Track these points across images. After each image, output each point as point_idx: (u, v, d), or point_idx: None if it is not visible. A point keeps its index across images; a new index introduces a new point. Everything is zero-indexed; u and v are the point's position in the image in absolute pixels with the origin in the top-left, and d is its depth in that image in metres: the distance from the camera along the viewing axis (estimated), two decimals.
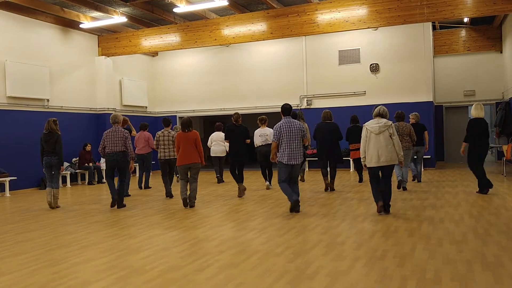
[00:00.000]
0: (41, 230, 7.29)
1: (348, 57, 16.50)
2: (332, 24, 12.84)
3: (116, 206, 9.28)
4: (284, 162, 7.83)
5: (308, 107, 16.82)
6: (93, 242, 6.27)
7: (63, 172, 13.99)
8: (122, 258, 5.33)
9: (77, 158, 14.79)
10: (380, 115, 7.57)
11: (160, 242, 6.10)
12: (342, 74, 16.58)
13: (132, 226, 7.36)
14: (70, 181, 14.41)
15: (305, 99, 17.00)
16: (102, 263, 5.17)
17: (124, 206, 9.35)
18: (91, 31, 15.86)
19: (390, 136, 7.35)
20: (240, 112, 16.99)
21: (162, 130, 10.76)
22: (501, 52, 17.29)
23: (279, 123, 7.94)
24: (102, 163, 14.27)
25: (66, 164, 14.25)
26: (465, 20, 16.26)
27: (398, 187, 10.35)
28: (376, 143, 7.34)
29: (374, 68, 16.13)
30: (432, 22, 16.05)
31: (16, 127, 13.14)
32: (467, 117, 19.11)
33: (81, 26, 14.68)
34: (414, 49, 15.68)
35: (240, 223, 7.28)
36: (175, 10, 13.17)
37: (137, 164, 12.67)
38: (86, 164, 14.68)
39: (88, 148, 14.74)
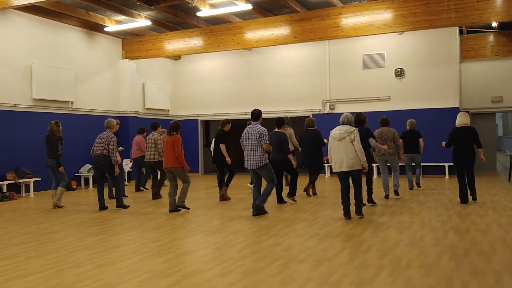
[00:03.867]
0: (64, 231, 7.36)
1: (372, 61, 16.34)
2: (356, 28, 12.73)
3: (107, 208, 9.63)
4: (245, 166, 8.43)
5: (331, 111, 16.71)
6: (116, 244, 6.29)
7: (87, 174, 14.22)
8: (145, 261, 5.33)
9: None
10: (345, 123, 7.84)
11: (182, 246, 6.10)
12: (366, 78, 16.42)
13: (154, 229, 7.37)
14: (93, 183, 14.54)
15: (328, 103, 16.89)
16: (125, 265, 5.17)
17: (126, 207, 9.67)
18: (115, 34, 16.03)
19: (352, 142, 7.57)
20: (263, 116, 17.05)
21: (149, 134, 11.35)
22: None
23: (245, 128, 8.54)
24: (125, 165, 14.38)
25: (88, 166, 14.40)
26: (494, 24, 15.94)
27: (386, 197, 10.20)
28: (338, 149, 7.67)
29: (399, 73, 15.94)
30: (459, 27, 15.78)
31: (41, 129, 13.27)
32: (495, 124, 18.74)
33: (105, 29, 14.85)
34: (440, 54, 15.45)
35: (262, 228, 7.23)
36: (198, 14, 13.21)
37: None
38: None
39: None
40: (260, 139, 8.19)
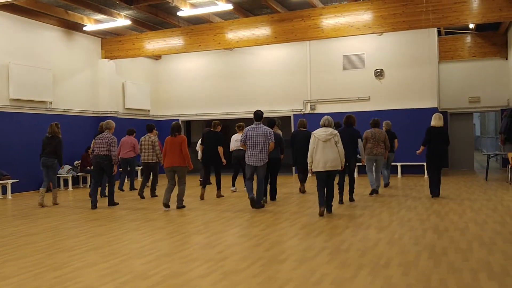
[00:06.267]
0: (43, 233, 7.26)
1: (352, 62, 16.46)
2: (336, 29, 12.81)
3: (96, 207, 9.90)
4: (247, 162, 8.90)
5: (312, 111, 16.79)
6: (96, 246, 6.23)
7: (66, 175, 14.04)
8: (125, 263, 5.29)
9: (79, 161, 14.75)
10: (326, 126, 8.24)
11: (163, 247, 6.06)
12: (346, 79, 16.54)
13: (134, 230, 7.32)
14: (72, 184, 14.37)
15: (309, 103, 16.96)
16: (105, 267, 5.13)
17: (116, 204, 10.09)
18: (94, 33, 15.85)
19: (336, 143, 7.98)
20: (243, 116, 17.13)
21: (145, 136, 11.56)
22: (506, 59, 17.22)
23: (248, 127, 8.93)
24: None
25: (68, 167, 14.26)
26: (471, 26, 16.21)
27: (371, 194, 10.71)
28: (323, 150, 7.99)
29: (379, 74, 16.09)
30: (438, 28, 16.00)
31: (18, 130, 13.11)
32: (472, 124, 19.04)
33: (84, 28, 14.68)
34: (419, 55, 15.63)
35: (243, 229, 7.24)
36: (179, 13, 13.14)
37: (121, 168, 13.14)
38: (88, 168, 14.63)
39: (91, 151, 14.67)
40: (268, 139, 8.70)
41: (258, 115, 9.02)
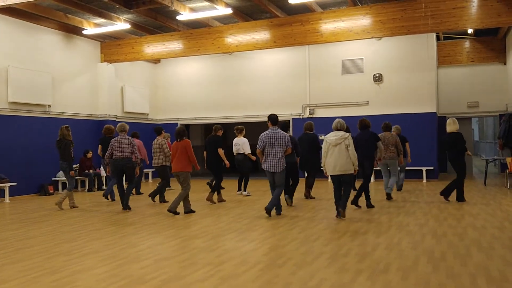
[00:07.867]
0: (41, 237, 7.24)
1: (351, 66, 16.48)
2: (335, 34, 12.84)
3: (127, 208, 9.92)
4: (264, 169, 8.58)
5: (311, 116, 16.79)
6: (94, 250, 6.21)
7: (64, 178, 14.01)
8: (123, 267, 5.27)
9: (77, 164, 14.72)
10: (338, 129, 8.23)
11: (161, 251, 6.05)
12: (345, 83, 16.56)
13: (132, 234, 7.30)
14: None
15: (308, 108, 16.98)
16: (103, 271, 5.11)
17: (130, 208, 9.88)
18: (94, 37, 15.87)
19: (347, 147, 7.98)
20: (243, 120, 17.17)
21: (154, 140, 11.35)
22: (505, 64, 17.27)
23: (265, 132, 8.53)
24: (103, 170, 14.30)
25: None
26: (469, 31, 16.25)
27: (388, 198, 10.62)
28: (333, 154, 8.07)
29: (378, 78, 16.11)
30: (436, 33, 16.04)
31: (17, 133, 13.10)
32: (471, 129, 19.06)
33: (84, 32, 14.69)
34: (417, 60, 15.66)
35: (241, 233, 7.22)
36: (178, 17, 13.16)
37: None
38: (87, 171, 14.61)
39: (89, 155, 14.63)
40: (287, 144, 8.47)
41: (274, 119, 8.57)
